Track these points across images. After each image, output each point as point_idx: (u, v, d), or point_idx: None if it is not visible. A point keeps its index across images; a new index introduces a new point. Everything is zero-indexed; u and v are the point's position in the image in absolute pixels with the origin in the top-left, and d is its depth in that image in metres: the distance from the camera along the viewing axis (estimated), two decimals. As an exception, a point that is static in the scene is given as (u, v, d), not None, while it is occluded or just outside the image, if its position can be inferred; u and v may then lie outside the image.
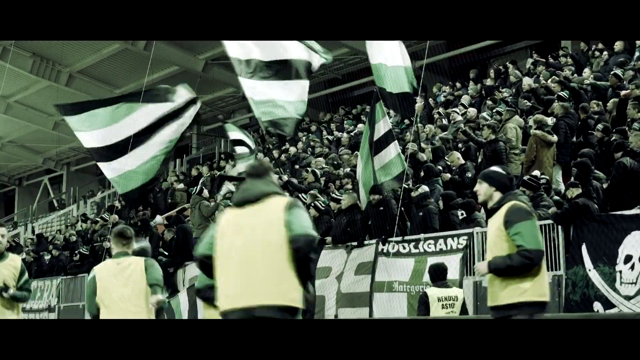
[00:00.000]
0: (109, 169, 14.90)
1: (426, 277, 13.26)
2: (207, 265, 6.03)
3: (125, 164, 14.64)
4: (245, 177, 6.11)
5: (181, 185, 27.21)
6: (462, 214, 14.62)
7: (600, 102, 16.96)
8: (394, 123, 23.93)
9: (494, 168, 7.28)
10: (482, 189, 7.11)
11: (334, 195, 16.98)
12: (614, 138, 14.15)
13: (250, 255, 5.74)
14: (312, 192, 18.10)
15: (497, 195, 7.02)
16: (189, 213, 21.74)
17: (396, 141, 15.56)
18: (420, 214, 14.75)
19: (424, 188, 15.10)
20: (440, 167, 16.72)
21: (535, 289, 6.78)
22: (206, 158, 33.89)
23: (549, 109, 17.37)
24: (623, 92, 16.05)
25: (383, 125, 15.24)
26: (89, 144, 14.97)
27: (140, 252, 8.59)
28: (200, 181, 25.22)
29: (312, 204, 16.99)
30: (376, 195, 15.22)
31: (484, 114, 18.87)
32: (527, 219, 6.76)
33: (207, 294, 7.48)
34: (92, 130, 14.84)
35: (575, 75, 20.06)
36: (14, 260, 9.68)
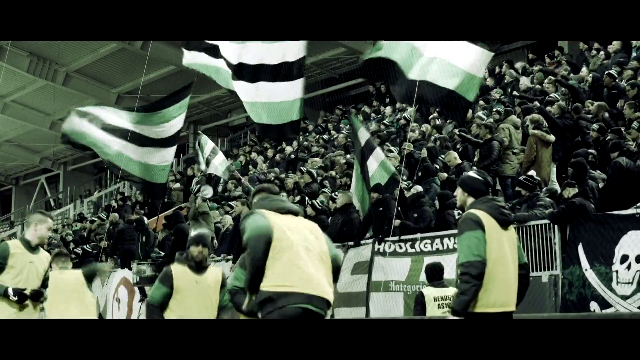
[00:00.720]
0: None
1: (423, 277, 13.28)
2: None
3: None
4: (264, 191, 6.95)
5: (178, 185, 27.20)
6: (458, 214, 14.62)
7: (594, 102, 16.97)
8: (389, 122, 23.97)
9: (470, 173, 7.29)
10: (458, 194, 7.17)
11: (333, 195, 17.00)
12: (609, 138, 14.16)
13: (318, 255, 6.47)
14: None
15: (470, 201, 7.02)
16: (186, 212, 21.73)
17: (377, 149, 15.59)
18: (415, 214, 14.74)
19: (417, 188, 15.09)
20: (436, 166, 16.72)
21: (478, 300, 6.70)
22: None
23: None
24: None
25: (362, 136, 15.35)
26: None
27: (198, 239, 8.72)
28: (194, 181, 25.23)
29: (310, 203, 17.00)
30: (375, 193, 15.25)
31: (480, 114, 18.86)
32: (468, 229, 6.71)
33: (237, 299, 7.51)
34: None
35: (571, 74, 20.09)
36: (47, 257, 9.99)
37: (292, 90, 14.09)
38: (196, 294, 8.41)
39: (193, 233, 8.70)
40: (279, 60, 14.18)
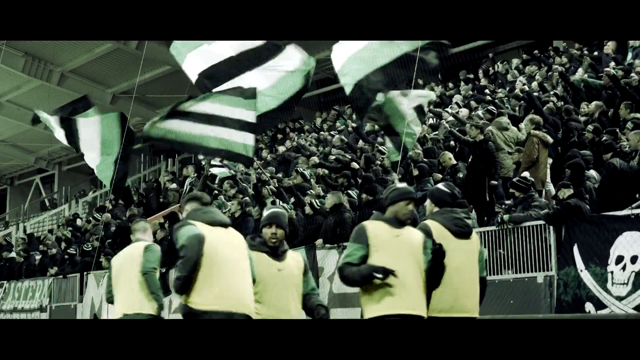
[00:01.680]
0: None
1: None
2: None
3: None
4: (196, 201, 7.12)
5: (174, 185, 27.18)
6: None
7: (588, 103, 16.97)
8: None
9: (439, 186, 7.57)
10: (427, 205, 7.51)
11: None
12: (604, 139, 14.17)
13: (242, 269, 6.82)
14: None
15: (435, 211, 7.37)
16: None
17: None
18: None
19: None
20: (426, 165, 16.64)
21: (432, 305, 7.05)
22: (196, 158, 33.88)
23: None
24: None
25: None
26: None
27: (271, 218, 7.42)
28: (187, 182, 25.22)
29: (309, 202, 16.99)
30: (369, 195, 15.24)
31: (479, 113, 18.87)
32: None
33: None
34: None
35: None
36: None
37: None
38: (280, 284, 7.26)
39: (265, 212, 7.71)
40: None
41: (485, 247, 12.87)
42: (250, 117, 13.32)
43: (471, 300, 7.22)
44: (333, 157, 20.32)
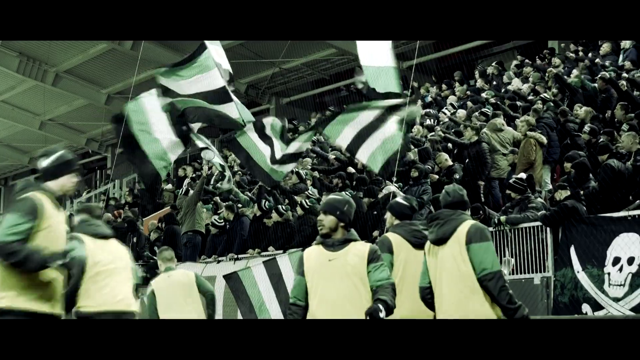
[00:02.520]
0: None
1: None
2: None
3: None
4: (85, 212, 7.92)
5: (169, 186, 27.15)
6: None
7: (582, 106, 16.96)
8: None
9: (398, 199, 8.00)
10: (387, 217, 7.93)
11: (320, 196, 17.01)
12: (601, 140, 14.16)
13: (127, 275, 7.74)
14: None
15: (395, 224, 7.84)
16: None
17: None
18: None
19: (390, 188, 14.99)
20: (429, 167, 16.66)
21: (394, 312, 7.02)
22: (193, 158, 33.83)
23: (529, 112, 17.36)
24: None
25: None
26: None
27: (322, 206, 7.32)
28: (186, 182, 25.18)
29: (299, 202, 17.00)
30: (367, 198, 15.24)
31: (476, 114, 18.89)
32: (381, 252, 7.10)
33: None
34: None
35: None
36: None
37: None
38: (329, 275, 6.87)
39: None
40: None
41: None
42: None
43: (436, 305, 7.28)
44: (333, 157, 20.30)
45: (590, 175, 13.17)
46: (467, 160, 16.39)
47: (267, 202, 17.91)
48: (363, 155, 13.29)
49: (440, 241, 7.12)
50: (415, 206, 7.81)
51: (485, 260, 6.89)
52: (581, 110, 16.46)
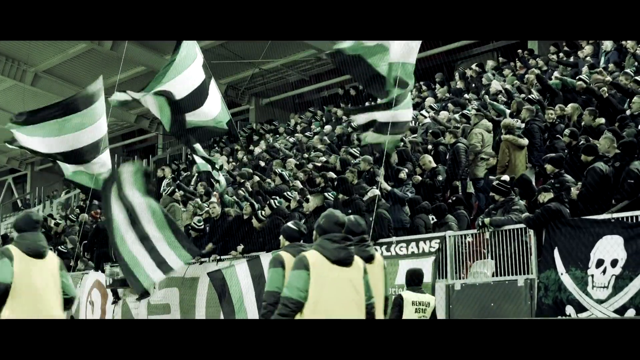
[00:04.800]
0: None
1: (398, 280, 13.35)
2: None
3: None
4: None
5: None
6: (432, 219, 14.67)
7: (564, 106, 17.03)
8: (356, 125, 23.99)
9: (289, 224, 8.30)
10: (281, 239, 8.21)
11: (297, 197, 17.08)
12: (582, 142, 14.25)
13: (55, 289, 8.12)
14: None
15: (285, 244, 8.09)
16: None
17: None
18: (371, 219, 14.66)
19: (375, 192, 15.06)
20: (406, 169, 16.70)
21: None
22: (172, 158, 33.82)
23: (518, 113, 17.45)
24: None
25: None
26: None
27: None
28: (165, 182, 25.11)
29: (267, 203, 17.13)
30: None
31: (456, 116, 18.99)
32: (272, 267, 7.68)
33: None
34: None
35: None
36: None
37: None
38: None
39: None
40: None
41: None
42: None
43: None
44: (319, 162, 20.40)
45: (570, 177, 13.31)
46: (449, 162, 16.51)
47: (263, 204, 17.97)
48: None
49: None
50: (303, 231, 8.17)
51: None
52: (568, 108, 16.52)
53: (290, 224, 8.27)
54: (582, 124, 15.59)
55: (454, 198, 15.01)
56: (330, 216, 7.28)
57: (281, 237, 8.16)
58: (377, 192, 15.01)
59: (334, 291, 6.88)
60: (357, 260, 7.17)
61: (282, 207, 16.99)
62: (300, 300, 6.82)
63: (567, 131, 15.04)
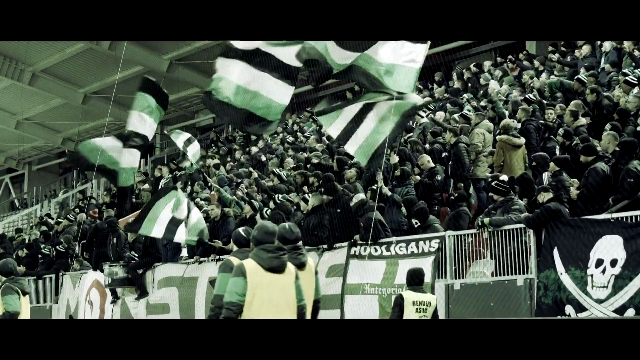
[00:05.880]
0: None
1: (398, 280, 13.38)
2: None
3: None
4: None
5: (146, 186, 27.09)
6: (416, 223, 14.60)
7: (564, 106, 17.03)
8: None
9: (239, 230, 8.91)
10: (232, 245, 9.29)
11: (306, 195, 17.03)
12: (575, 143, 14.27)
13: None
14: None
15: (235, 249, 8.73)
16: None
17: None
18: (361, 223, 14.66)
19: (359, 196, 15.03)
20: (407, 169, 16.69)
21: None
22: (170, 158, 33.80)
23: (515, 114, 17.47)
24: None
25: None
26: None
27: None
28: (162, 182, 25.15)
29: (248, 202, 17.20)
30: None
31: (455, 116, 18.99)
32: (222, 272, 8.33)
33: None
34: None
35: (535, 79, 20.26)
36: None
37: (284, 94, 13.71)
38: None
39: None
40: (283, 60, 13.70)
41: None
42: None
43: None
44: (316, 161, 20.38)
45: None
46: (451, 162, 16.50)
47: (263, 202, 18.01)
48: (351, 148, 13.46)
49: None
50: (249, 238, 8.43)
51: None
52: (572, 104, 16.48)
53: (240, 230, 8.94)
54: (564, 124, 15.64)
55: (455, 195, 14.99)
56: (262, 228, 7.98)
57: (232, 244, 8.96)
58: (363, 196, 15.02)
59: (267, 295, 7.62)
60: (290, 267, 7.89)
61: (285, 203, 17.02)
62: (240, 303, 7.55)
63: (560, 131, 15.04)
